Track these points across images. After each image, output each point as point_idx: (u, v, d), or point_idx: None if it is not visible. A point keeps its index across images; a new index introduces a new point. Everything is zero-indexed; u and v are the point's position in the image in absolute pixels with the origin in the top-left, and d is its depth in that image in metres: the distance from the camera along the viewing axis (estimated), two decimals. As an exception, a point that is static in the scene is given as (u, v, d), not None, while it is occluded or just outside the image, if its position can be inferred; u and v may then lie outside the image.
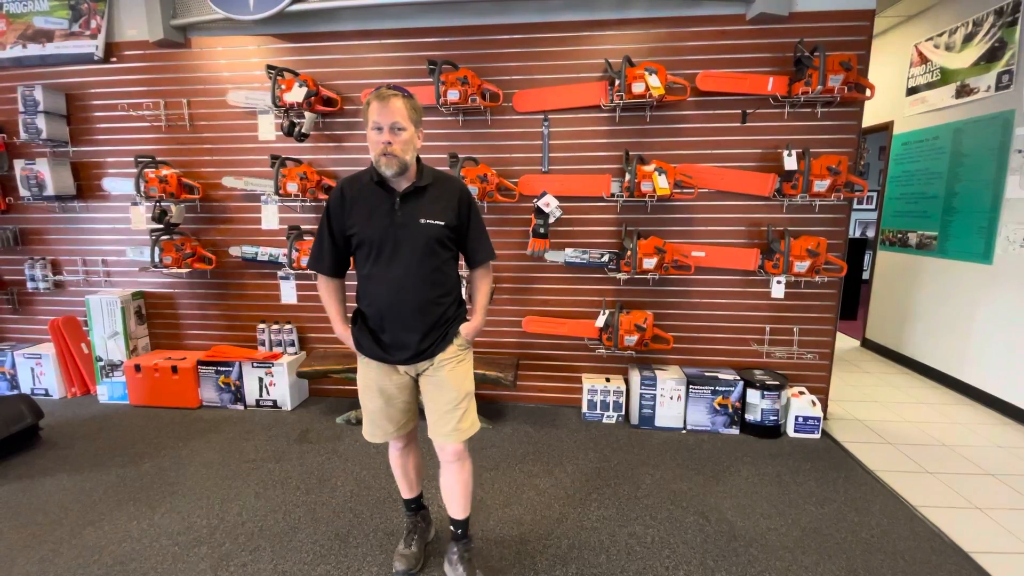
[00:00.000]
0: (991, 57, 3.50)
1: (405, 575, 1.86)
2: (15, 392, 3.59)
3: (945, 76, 3.93)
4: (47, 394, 3.58)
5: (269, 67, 3.06)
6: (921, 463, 2.73)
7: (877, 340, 4.69)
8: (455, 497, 1.81)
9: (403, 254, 1.62)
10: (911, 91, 4.32)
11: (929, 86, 4.10)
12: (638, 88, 2.75)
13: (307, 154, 3.30)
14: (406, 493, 1.97)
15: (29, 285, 3.65)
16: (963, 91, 3.75)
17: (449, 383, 1.71)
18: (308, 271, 3.18)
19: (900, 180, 4.46)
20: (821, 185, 2.76)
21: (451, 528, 1.87)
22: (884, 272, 4.64)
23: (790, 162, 2.80)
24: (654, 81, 2.72)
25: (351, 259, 1.75)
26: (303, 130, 3.08)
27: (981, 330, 3.56)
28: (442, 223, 1.64)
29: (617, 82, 2.81)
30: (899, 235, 4.43)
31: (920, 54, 4.19)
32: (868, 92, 2.79)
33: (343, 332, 1.77)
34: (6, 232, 3.63)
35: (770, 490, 2.45)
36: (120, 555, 1.99)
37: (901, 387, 3.86)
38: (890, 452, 2.84)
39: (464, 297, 1.87)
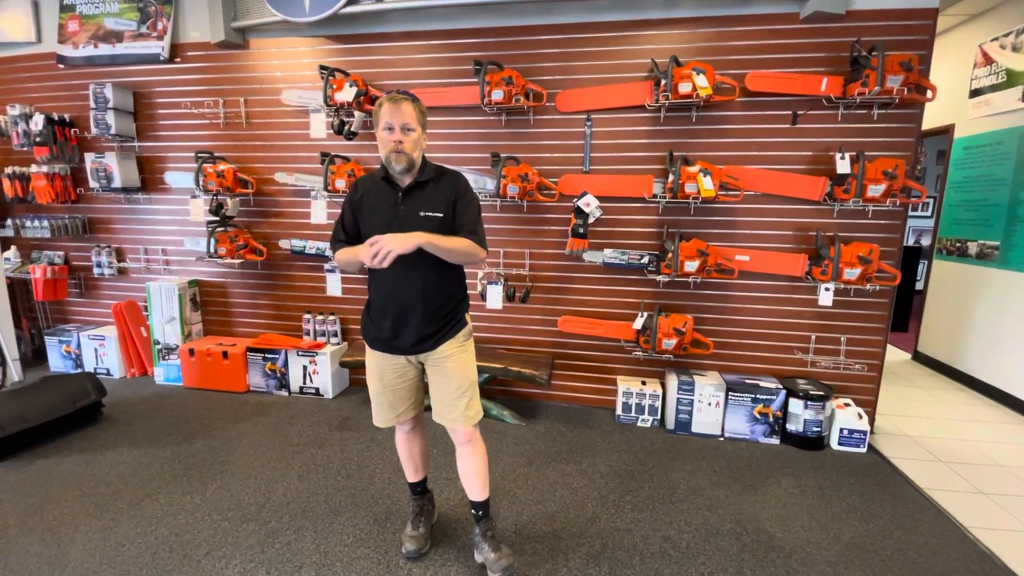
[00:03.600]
0: (1066, 58, 3.30)
1: (416, 554, 1.94)
2: (80, 370, 3.83)
3: (1011, 78, 3.72)
4: (108, 373, 3.82)
5: (322, 67, 3.17)
6: (974, 483, 2.60)
7: (930, 354, 4.48)
8: (470, 478, 1.88)
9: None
10: (974, 93, 4.10)
11: (994, 88, 3.89)
12: (685, 88, 2.72)
13: (355, 152, 3.40)
14: (412, 476, 2.05)
15: (95, 271, 3.90)
16: (1033, 94, 3.54)
17: (454, 374, 1.81)
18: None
19: (960, 186, 4.24)
20: (876, 190, 2.66)
21: (472, 511, 1.94)
22: (940, 282, 4.42)
23: (843, 165, 2.71)
24: (701, 81, 2.68)
25: None
26: (352, 128, 3.18)
27: (1046, 347, 3.36)
28: (441, 215, 1.72)
29: (663, 82, 2.78)
30: (958, 244, 4.22)
31: (984, 55, 3.98)
32: (929, 94, 2.67)
33: (357, 250, 1.63)
34: (76, 221, 3.89)
35: (811, 502, 2.38)
36: (175, 527, 2.11)
37: (955, 404, 3.68)
38: (941, 470, 2.72)
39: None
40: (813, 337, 3.05)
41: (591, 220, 3.04)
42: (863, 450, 2.87)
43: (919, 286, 5.44)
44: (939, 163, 6.14)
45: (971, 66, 4.11)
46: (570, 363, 3.39)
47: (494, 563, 1.82)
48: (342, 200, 3.39)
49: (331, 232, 1.87)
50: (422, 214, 1.71)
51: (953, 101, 4.30)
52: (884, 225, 2.89)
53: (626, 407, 3.15)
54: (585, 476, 2.56)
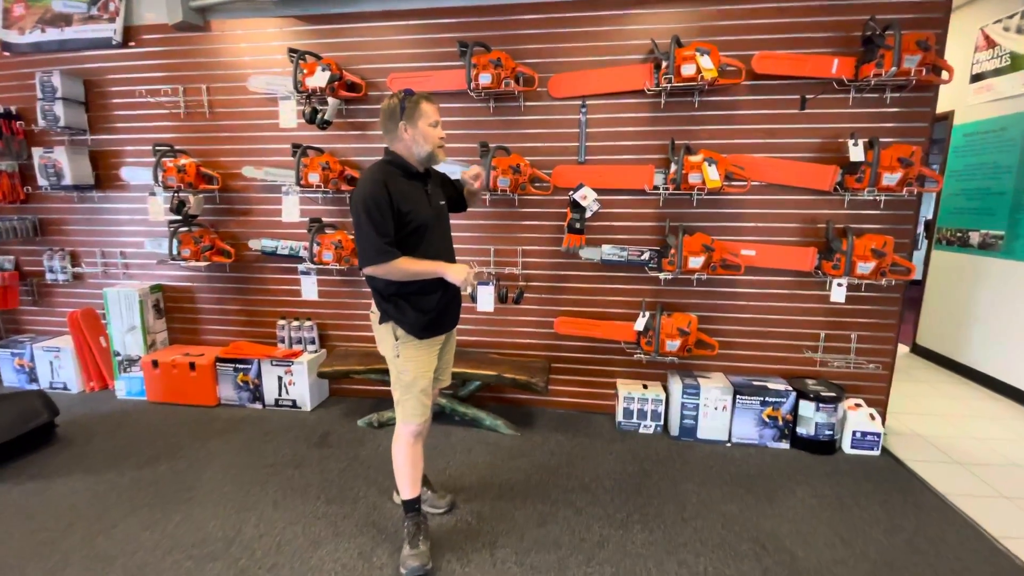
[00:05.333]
0: (1074, 39, 3.17)
1: (420, 570, 1.82)
2: (33, 386, 3.53)
3: (1015, 62, 3.60)
4: (65, 388, 3.51)
5: (291, 50, 2.90)
6: (995, 486, 2.47)
7: (929, 346, 4.39)
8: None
9: (443, 229, 1.95)
10: (976, 77, 3.98)
11: (997, 72, 3.77)
12: (688, 71, 2.52)
13: (329, 143, 3.14)
14: (415, 490, 1.94)
15: (48, 277, 3.58)
16: (1038, 77, 3.42)
17: (455, 338, 2.15)
18: (330, 266, 3.02)
19: (961, 175, 4.13)
20: (891, 178, 2.50)
21: None
22: (940, 273, 4.32)
23: (856, 152, 2.54)
24: (706, 63, 2.48)
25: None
26: (326, 117, 2.92)
27: (1055, 339, 3.26)
28: (443, 202, 1.99)
29: (664, 64, 2.57)
30: (959, 234, 4.11)
31: (987, 38, 3.86)
32: (946, 75, 2.52)
33: (446, 267, 1.82)
34: (25, 222, 3.55)
35: (831, 514, 2.22)
36: (131, 568, 1.87)
37: (960, 398, 3.57)
38: (958, 472, 2.59)
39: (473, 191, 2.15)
40: (822, 335, 2.90)
41: (588, 214, 2.83)
42: (877, 453, 2.73)
43: (915, 277, 5.35)
44: (934, 150, 6.06)
45: (972, 50, 3.99)
46: (567, 367, 3.19)
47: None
48: (319, 195, 3.18)
49: (368, 241, 1.71)
50: (441, 202, 1.95)
51: (954, 86, 4.16)
52: (896, 216, 2.73)
53: (627, 412, 2.97)
54: (588, 492, 2.37)
